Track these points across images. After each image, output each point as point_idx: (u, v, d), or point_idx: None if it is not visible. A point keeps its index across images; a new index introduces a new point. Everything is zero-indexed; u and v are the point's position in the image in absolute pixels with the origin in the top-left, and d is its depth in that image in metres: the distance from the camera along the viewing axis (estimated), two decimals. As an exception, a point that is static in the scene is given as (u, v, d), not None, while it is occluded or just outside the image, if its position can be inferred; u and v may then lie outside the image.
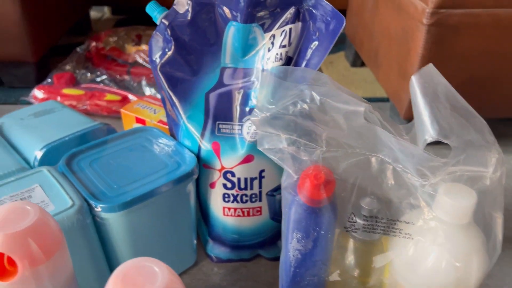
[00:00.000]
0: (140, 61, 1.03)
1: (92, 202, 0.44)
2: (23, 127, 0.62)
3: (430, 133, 0.32)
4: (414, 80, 0.33)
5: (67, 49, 1.20)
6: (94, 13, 1.53)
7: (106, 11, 1.55)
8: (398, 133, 0.35)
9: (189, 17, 0.48)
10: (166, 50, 0.49)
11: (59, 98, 0.90)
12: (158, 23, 0.49)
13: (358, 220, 0.36)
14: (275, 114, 0.35)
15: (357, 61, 1.18)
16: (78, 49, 1.08)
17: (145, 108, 0.63)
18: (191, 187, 0.52)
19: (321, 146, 0.35)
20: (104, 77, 1.00)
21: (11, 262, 0.29)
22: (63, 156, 0.51)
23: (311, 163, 0.35)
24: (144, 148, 0.53)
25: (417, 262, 0.35)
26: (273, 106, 0.35)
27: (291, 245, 0.37)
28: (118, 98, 0.91)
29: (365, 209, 0.36)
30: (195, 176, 0.50)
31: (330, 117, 0.34)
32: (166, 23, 0.48)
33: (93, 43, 1.07)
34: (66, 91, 0.91)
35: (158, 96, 0.96)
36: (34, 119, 0.65)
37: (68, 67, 1.02)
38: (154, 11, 0.49)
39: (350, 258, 0.39)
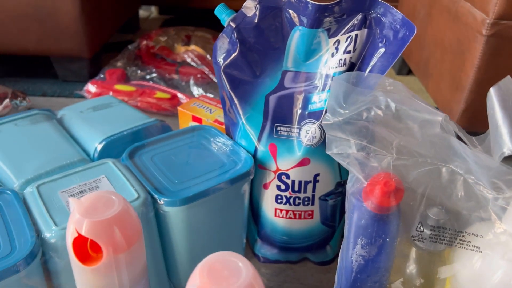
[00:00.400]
0: (189, 60, 1.05)
1: (156, 195, 0.46)
2: (83, 120, 0.64)
3: (508, 146, 0.32)
4: (493, 92, 0.33)
5: (116, 46, 1.24)
6: (142, 12, 1.57)
7: (153, 11, 1.59)
8: (472, 144, 0.35)
9: (256, 20, 0.49)
10: (231, 52, 0.50)
11: (111, 93, 0.93)
12: (225, 25, 0.50)
13: (425, 230, 0.36)
14: (347, 119, 0.35)
15: (403, 69, 1.16)
16: (129, 46, 1.11)
17: (201, 107, 0.64)
18: (246, 187, 0.52)
19: (391, 154, 0.36)
20: (154, 75, 1.02)
21: (94, 248, 0.31)
22: (126, 150, 0.53)
23: (380, 170, 0.35)
24: (202, 146, 0.54)
25: (483, 276, 0.35)
26: (346, 111, 0.35)
27: (355, 251, 0.37)
28: (167, 96, 0.94)
29: (432, 219, 0.36)
30: (251, 177, 0.51)
31: (404, 125, 0.34)
32: (233, 25, 0.49)
33: (144, 42, 1.10)
34: (118, 87, 0.94)
35: (209, 95, 0.98)
36: (93, 112, 0.67)
37: (119, 63, 1.05)
38: (222, 13, 0.50)
39: (412, 267, 0.38)
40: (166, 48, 1.09)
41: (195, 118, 0.63)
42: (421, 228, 0.36)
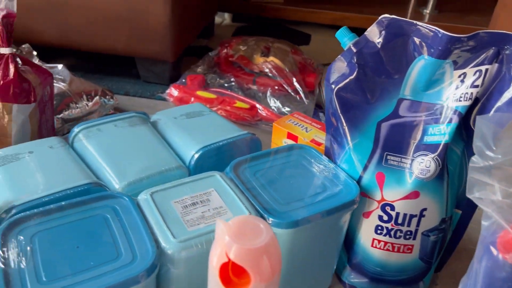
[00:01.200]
0: (267, 71, 1.05)
1: (265, 215, 0.45)
2: (177, 126, 0.65)
3: None
4: None
5: (193, 51, 1.27)
6: (215, 18, 1.59)
7: (226, 18, 1.61)
8: None
9: (379, 46, 0.48)
10: (347, 75, 0.49)
11: (192, 99, 0.95)
12: (345, 48, 0.49)
13: None
14: (499, 165, 0.33)
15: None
16: (210, 53, 1.12)
17: (297, 125, 0.64)
18: (348, 216, 0.51)
19: (541, 205, 0.33)
20: (233, 84, 1.03)
21: (237, 273, 0.30)
22: (230, 163, 0.53)
23: (529, 221, 0.33)
24: (303, 167, 0.54)
25: None
26: (497, 155, 0.33)
27: (488, 303, 0.35)
28: (246, 106, 0.94)
29: None
30: (356, 206, 0.50)
31: None
32: (355, 50, 0.48)
33: (224, 50, 1.11)
34: (200, 93, 0.96)
35: (283, 109, 0.97)
36: (186, 119, 0.68)
37: (199, 69, 1.07)
38: (344, 36, 0.49)
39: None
40: (245, 58, 1.10)
41: (290, 136, 0.63)
42: None
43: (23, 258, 0.37)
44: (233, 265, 0.30)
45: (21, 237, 0.39)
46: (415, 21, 0.46)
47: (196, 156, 0.59)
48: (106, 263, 0.38)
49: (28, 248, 0.38)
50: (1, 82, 0.63)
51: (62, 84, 0.86)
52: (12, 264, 0.37)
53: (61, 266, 0.37)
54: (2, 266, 0.36)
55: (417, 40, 0.47)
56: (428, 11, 1.53)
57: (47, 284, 0.36)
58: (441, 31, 0.45)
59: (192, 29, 1.14)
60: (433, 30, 0.45)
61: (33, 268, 0.37)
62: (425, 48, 0.46)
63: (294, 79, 1.03)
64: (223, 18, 1.61)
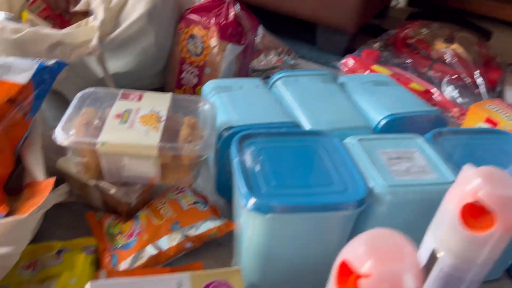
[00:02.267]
0: (448, 59, 1.01)
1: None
2: (365, 91, 0.68)
3: None
4: None
5: (366, 28, 1.26)
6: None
7: (401, 1, 1.57)
8: None
9: None
10: None
11: (367, 72, 0.96)
12: None
13: None
14: None
15: None
16: (388, 32, 1.12)
17: (498, 111, 0.61)
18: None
19: None
20: (408, 65, 1.01)
21: (476, 216, 0.32)
22: (431, 131, 0.53)
23: None
24: (503, 151, 0.52)
25: None
26: None
27: None
28: (422, 88, 0.92)
29: None
30: None
31: None
32: None
33: (404, 31, 1.09)
34: (376, 67, 0.96)
35: (458, 100, 0.93)
36: (373, 87, 0.70)
37: (376, 45, 1.07)
38: None
39: None
40: (424, 42, 1.06)
41: (489, 121, 0.61)
42: None
43: (257, 164, 0.43)
44: (473, 208, 0.31)
45: (252, 148, 0.45)
46: None
47: (384, 121, 0.60)
48: (321, 185, 0.42)
49: (259, 157, 0.44)
50: (223, 22, 0.71)
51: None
52: (248, 166, 0.43)
53: (285, 178, 0.43)
54: (242, 165, 0.43)
55: None
56: None
57: (275, 188, 0.41)
58: None
59: (375, 5, 1.14)
60: None
61: (263, 173, 0.43)
62: None
63: (477, 72, 0.98)
64: (398, 1, 1.57)
